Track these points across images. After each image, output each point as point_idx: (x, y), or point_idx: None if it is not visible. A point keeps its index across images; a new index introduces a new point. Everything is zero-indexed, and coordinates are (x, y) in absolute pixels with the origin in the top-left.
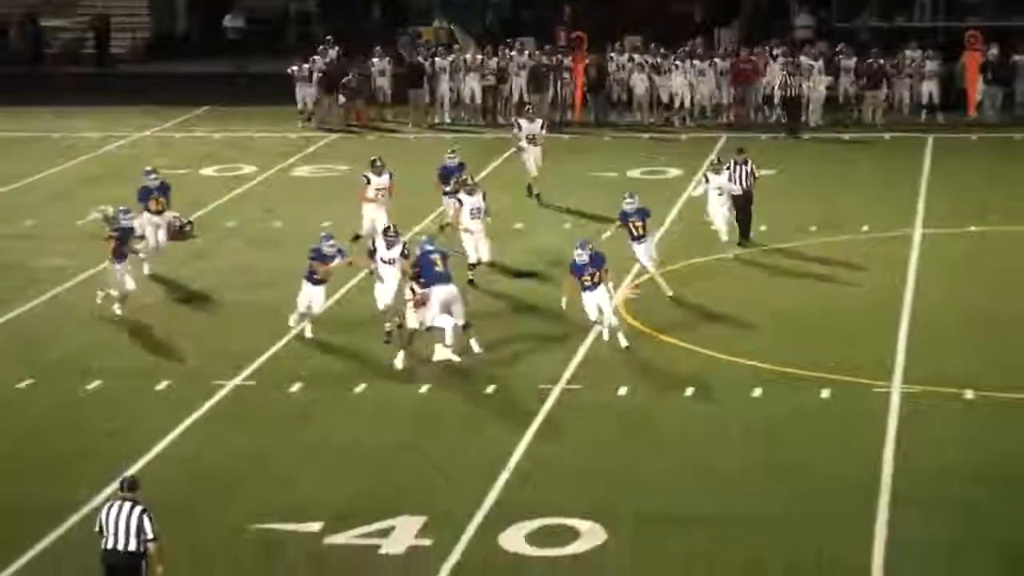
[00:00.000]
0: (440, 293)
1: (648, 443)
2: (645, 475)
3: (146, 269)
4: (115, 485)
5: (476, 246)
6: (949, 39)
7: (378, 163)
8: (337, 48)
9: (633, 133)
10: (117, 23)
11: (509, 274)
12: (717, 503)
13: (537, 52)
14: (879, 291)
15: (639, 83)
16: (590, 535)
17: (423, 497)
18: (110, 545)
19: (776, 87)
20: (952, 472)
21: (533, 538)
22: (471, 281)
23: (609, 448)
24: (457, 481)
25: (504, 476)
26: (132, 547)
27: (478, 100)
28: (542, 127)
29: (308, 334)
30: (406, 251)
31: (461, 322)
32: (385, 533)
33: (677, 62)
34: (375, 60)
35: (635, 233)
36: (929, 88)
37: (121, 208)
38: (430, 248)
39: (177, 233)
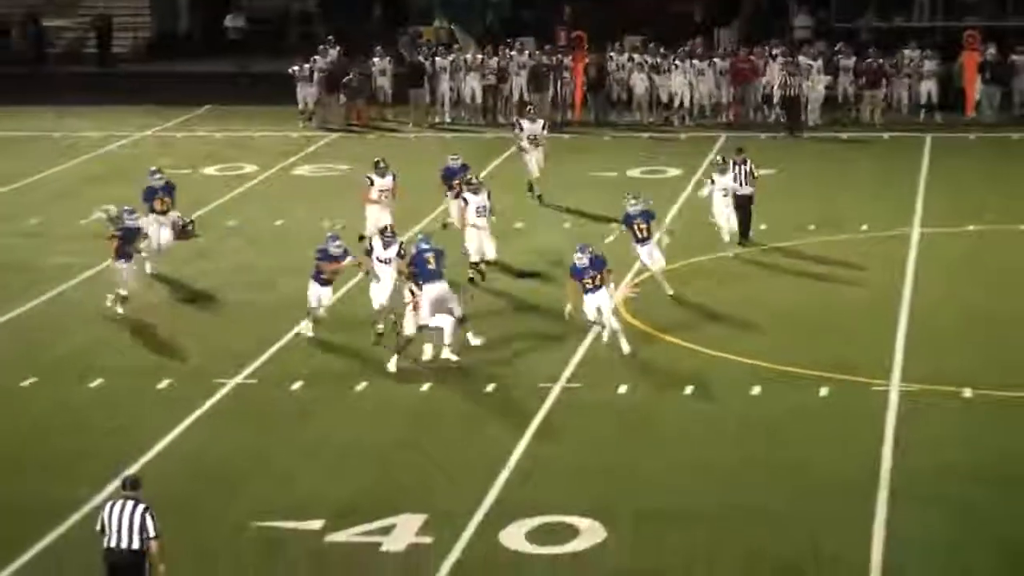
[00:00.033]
0: (431, 291)
1: (648, 441)
2: (644, 473)
3: (148, 268)
4: (117, 483)
5: (481, 245)
6: (947, 39)
7: (381, 164)
8: (338, 48)
9: (633, 133)
10: (119, 23)
11: (511, 273)
12: (716, 501)
13: (537, 52)
14: (878, 290)
15: (639, 83)
16: (590, 533)
17: (424, 495)
18: (113, 544)
19: (775, 87)
20: (950, 470)
21: (533, 536)
22: (472, 279)
23: (609, 446)
24: (457, 479)
25: (504, 474)
26: (135, 545)
27: (478, 100)
28: (544, 128)
29: (309, 333)
30: (402, 251)
31: (459, 313)
32: (386, 531)
33: (677, 62)
34: (376, 60)
35: (639, 235)
36: (928, 88)
37: (126, 208)
38: (425, 247)
39: (180, 232)
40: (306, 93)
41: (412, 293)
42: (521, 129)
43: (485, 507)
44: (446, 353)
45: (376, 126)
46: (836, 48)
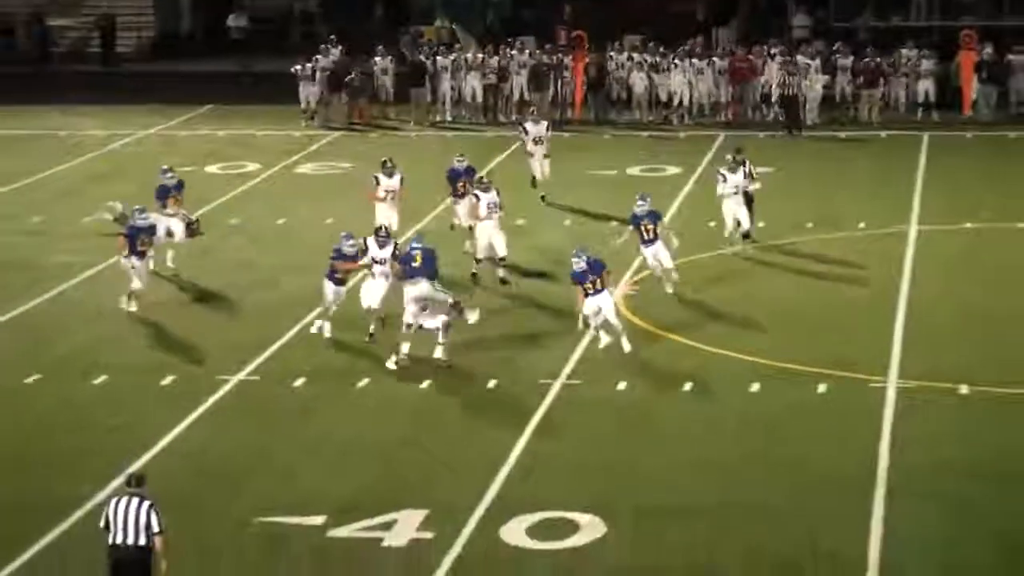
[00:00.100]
0: (411, 291)
1: (647, 438)
2: (644, 469)
3: (169, 261)
4: (120, 480)
5: (489, 242)
6: (944, 38)
7: (388, 164)
8: (340, 47)
9: (632, 131)
10: (122, 22)
11: (517, 272)
12: (715, 497)
13: (538, 51)
14: (876, 287)
15: (638, 82)
16: (590, 528)
17: (425, 491)
18: (118, 540)
19: (774, 86)
20: (947, 466)
21: (534, 531)
22: (474, 275)
23: (608, 443)
24: (458, 475)
25: (505, 470)
26: (141, 542)
27: (479, 98)
28: (547, 128)
29: (327, 333)
30: (397, 252)
31: (451, 300)
32: (387, 526)
33: (676, 61)
34: (377, 59)
35: (646, 236)
36: (925, 87)
37: (137, 207)
38: (415, 245)
39: (185, 230)
40: (308, 92)
41: None
42: (526, 132)
43: (486, 503)
44: (438, 353)
45: (378, 125)
46: (834, 47)
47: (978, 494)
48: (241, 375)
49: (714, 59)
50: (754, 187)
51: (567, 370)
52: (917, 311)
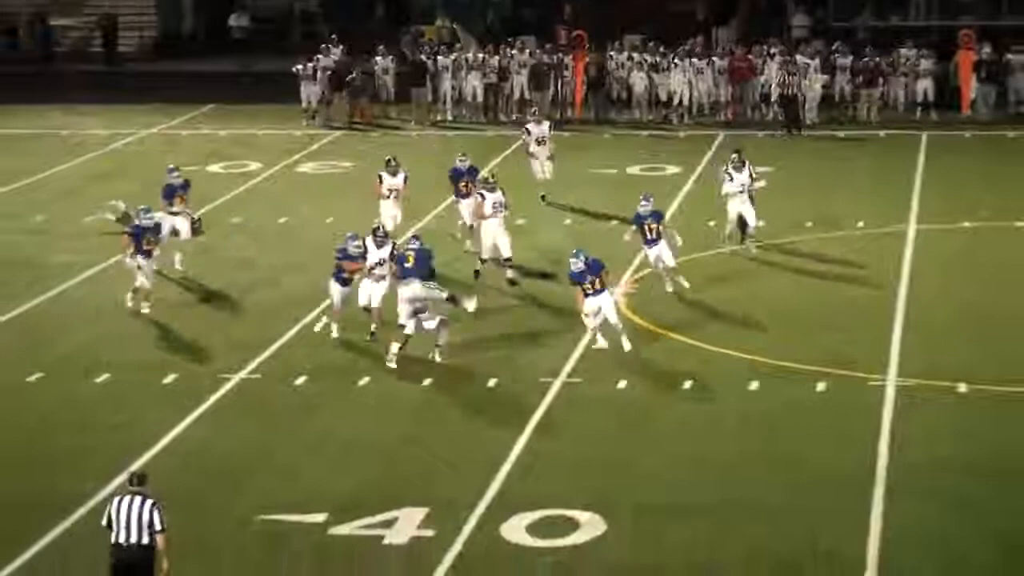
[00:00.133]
0: (404, 291)
1: (647, 436)
2: (644, 467)
3: (178, 263)
4: (122, 478)
5: (494, 242)
6: (943, 38)
7: (392, 163)
8: (342, 47)
9: (632, 131)
10: (124, 22)
11: (520, 272)
12: (715, 495)
13: (538, 51)
14: (874, 286)
15: (638, 81)
16: (590, 526)
17: (426, 488)
18: (121, 539)
19: (774, 85)
20: (946, 464)
21: (534, 529)
22: (477, 272)
23: (608, 441)
24: (459, 473)
25: (505, 468)
26: (144, 540)
27: (479, 98)
28: (550, 128)
29: (334, 334)
30: (395, 252)
31: (445, 295)
32: (388, 524)
33: (676, 60)
34: (378, 59)
35: (649, 235)
36: (924, 86)
37: (142, 207)
38: (410, 246)
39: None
40: (309, 92)
41: None
42: (528, 133)
43: (486, 500)
44: (436, 355)
45: (379, 124)
46: (833, 47)
47: (977, 492)
48: (242, 373)
49: (714, 59)
50: (758, 185)
51: (567, 369)
52: (916, 310)
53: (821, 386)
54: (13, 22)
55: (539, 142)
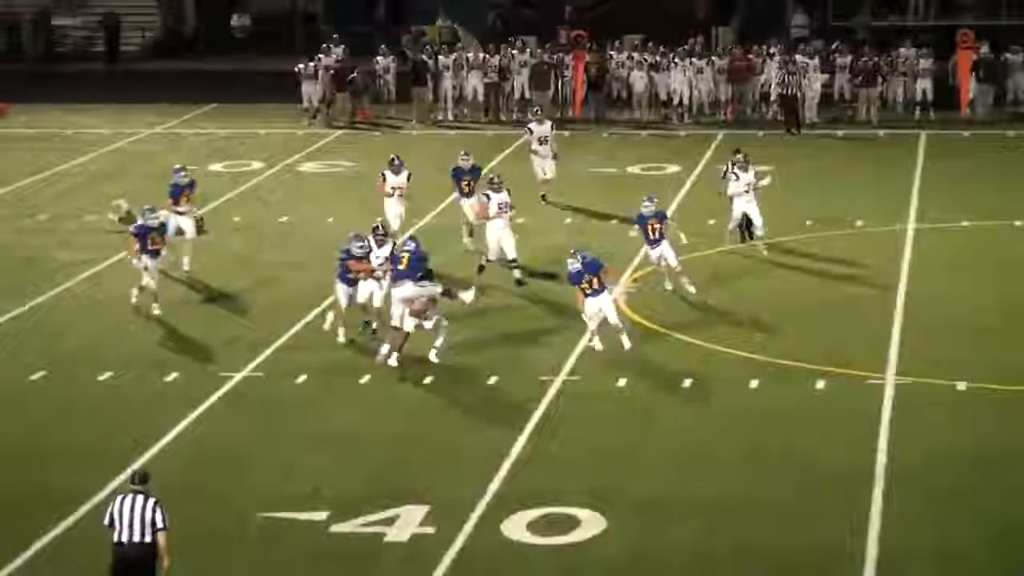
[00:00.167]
0: (398, 293)
1: (647, 433)
2: (644, 464)
3: (186, 264)
4: (125, 476)
5: (499, 243)
6: (942, 38)
7: (396, 162)
8: (343, 46)
9: (632, 130)
10: (127, 22)
11: (525, 273)
12: (715, 491)
13: (539, 50)
14: (873, 285)
15: (638, 81)
16: (590, 523)
17: (427, 486)
18: (124, 538)
19: (773, 85)
20: (944, 462)
21: (534, 526)
22: (481, 268)
23: (608, 438)
24: (460, 471)
25: (506, 466)
26: (147, 539)
27: (480, 97)
28: (552, 127)
29: (341, 338)
30: (393, 252)
31: (439, 289)
32: (390, 522)
33: (676, 60)
34: (380, 58)
35: (652, 236)
36: (923, 86)
37: (147, 207)
38: (405, 247)
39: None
40: (311, 91)
41: None
42: (531, 132)
43: (487, 498)
44: (432, 355)
45: (380, 123)
46: (833, 47)
47: (975, 490)
48: (245, 372)
49: (713, 58)
50: (764, 182)
51: (567, 367)
52: (915, 308)
53: (820, 384)
54: (16, 21)
55: (542, 141)
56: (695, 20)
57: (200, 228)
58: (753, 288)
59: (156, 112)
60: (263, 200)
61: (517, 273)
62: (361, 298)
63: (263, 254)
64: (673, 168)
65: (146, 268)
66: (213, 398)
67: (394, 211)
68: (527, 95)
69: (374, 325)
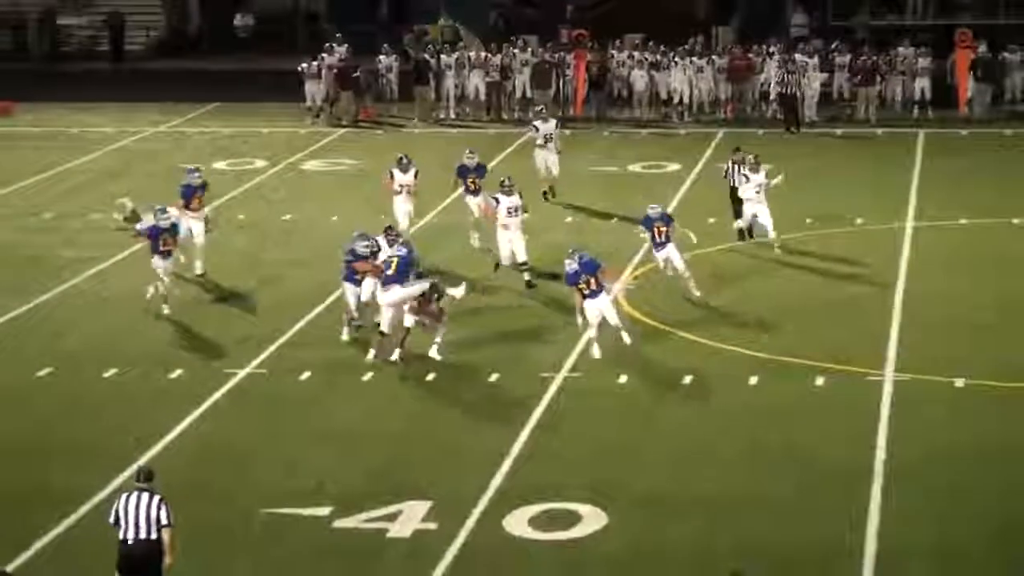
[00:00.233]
0: (384, 297)
1: (647, 430)
2: (645, 460)
3: (199, 268)
4: (129, 473)
5: (511, 247)
6: (940, 37)
7: (404, 160)
8: (346, 45)
9: (633, 128)
10: (132, 21)
11: (535, 273)
12: (715, 487)
13: (540, 49)
14: (872, 282)
15: (639, 80)
16: (591, 519)
17: (429, 482)
18: (130, 536)
19: (773, 84)
20: (943, 458)
21: (536, 522)
22: (498, 267)
23: (609, 434)
24: (462, 467)
25: (507, 462)
26: (153, 536)
27: (482, 96)
28: (557, 126)
29: (344, 337)
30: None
31: (427, 284)
32: (392, 517)
33: (676, 59)
34: (382, 57)
35: (658, 238)
36: (921, 85)
37: (159, 207)
38: (398, 252)
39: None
40: (314, 90)
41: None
42: (536, 130)
43: (489, 494)
44: (432, 352)
45: (382, 122)
46: (832, 46)
47: (974, 486)
48: (248, 369)
49: (713, 57)
50: (776, 181)
51: (568, 363)
52: (913, 305)
53: (820, 381)
54: (22, 20)
55: (546, 139)
56: (695, 20)
57: (207, 227)
58: (753, 285)
59: (160, 111)
60: (266, 198)
61: (527, 276)
62: (364, 296)
63: (267, 252)
64: (673, 166)
65: (161, 267)
66: (217, 395)
67: (402, 209)
68: (528, 94)
69: (377, 318)
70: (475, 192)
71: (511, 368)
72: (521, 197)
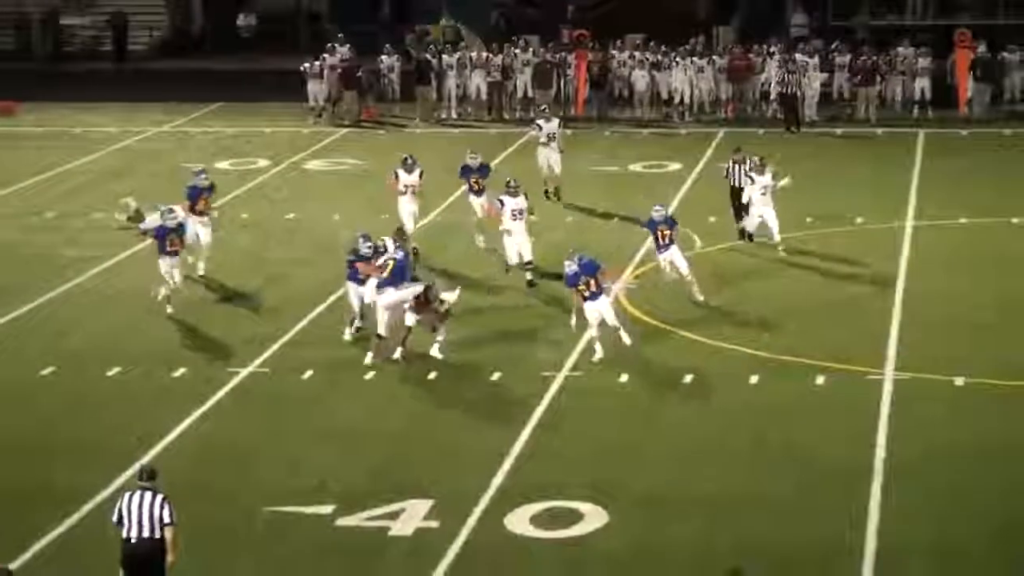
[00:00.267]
0: (382, 299)
1: (648, 428)
2: (646, 459)
3: (201, 269)
4: (132, 471)
5: (518, 249)
6: (939, 37)
7: (409, 161)
8: (348, 45)
9: (634, 128)
10: (135, 21)
11: (537, 274)
12: (715, 486)
13: (542, 49)
14: (873, 281)
15: (639, 80)
16: (593, 517)
17: (431, 481)
18: (133, 535)
19: (773, 84)
20: (943, 457)
21: (537, 520)
22: (509, 270)
23: (610, 433)
24: (463, 465)
25: (509, 460)
26: (157, 535)
27: (483, 96)
28: (560, 125)
29: (346, 336)
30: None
31: (420, 288)
32: (394, 516)
33: (677, 59)
34: (384, 57)
35: (662, 241)
36: (921, 85)
37: (166, 207)
38: (394, 256)
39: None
40: (316, 90)
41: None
42: (540, 128)
43: (491, 492)
44: (434, 351)
45: (384, 122)
46: (832, 46)
47: (974, 484)
48: (251, 368)
49: (714, 57)
50: (784, 183)
51: (570, 363)
52: (913, 304)
53: (820, 380)
54: (26, 21)
55: (549, 138)
56: (696, 20)
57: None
58: (753, 284)
59: (163, 111)
60: (269, 198)
61: (529, 275)
62: (368, 297)
63: (269, 251)
64: (674, 166)
65: (167, 271)
66: (220, 394)
67: (408, 209)
68: (530, 94)
69: (379, 329)
70: (479, 192)
71: (512, 367)
72: (527, 199)
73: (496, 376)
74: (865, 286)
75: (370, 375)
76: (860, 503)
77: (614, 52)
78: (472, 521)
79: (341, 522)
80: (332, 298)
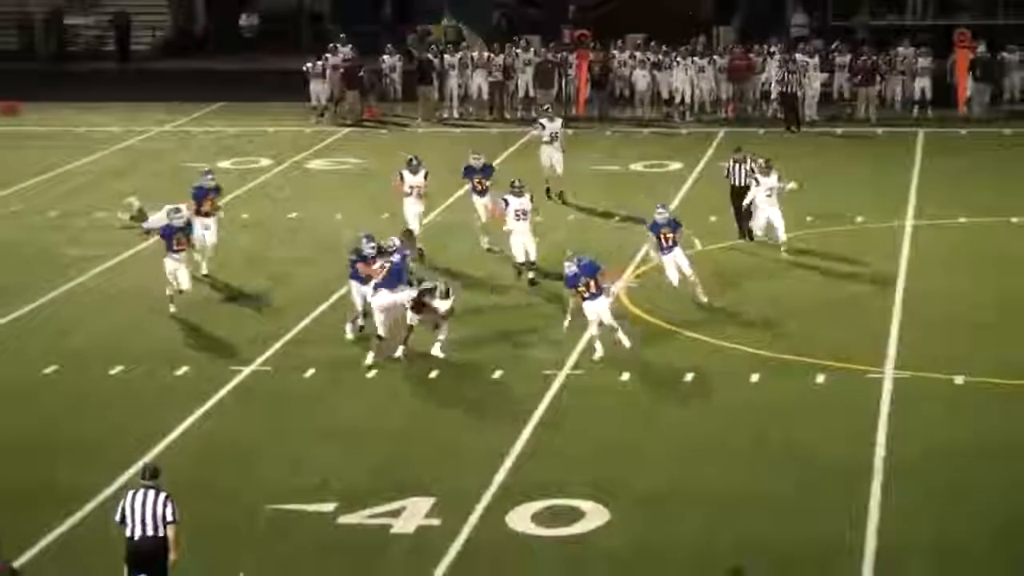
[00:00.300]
0: (377, 301)
1: (649, 427)
2: (646, 457)
3: (204, 269)
4: (135, 470)
5: (525, 248)
6: (939, 37)
7: (414, 162)
8: (350, 45)
9: (635, 128)
10: (138, 21)
11: (540, 273)
12: (716, 485)
13: (543, 49)
14: (873, 280)
15: (640, 79)
16: (594, 515)
17: (432, 479)
18: (137, 534)
19: (773, 83)
20: (943, 456)
21: (539, 518)
22: (521, 274)
23: (611, 432)
24: (465, 463)
25: (510, 459)
26: (160, 533)
27: (485, 96)
28: (563, 125)
29: (349, 335)
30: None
31: (415, 293)
32: (396, 513)
33: (678, 59)
34: (386, 57)
35: (665, 244)
36: (921, 85)
37: (173, 207)
38: (391, 259)
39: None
40: (319, 90)
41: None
42: (543, 128)
43: (492, 490)
44: (435, 350)
45: (386, 121)
46: (832, 46)
47: (973, 483)
48: (253, 366)
49: (715, 57)
50: (791, 186)
51: (571, 361)
52: (913, 303)
53: (820, 379)
54: (29, 20)
55: (552, 137)
56: (697, 20)
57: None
58: (753, 283)
59: (166, 110)
60: (271, 197)
61: (531, 274)
62: (369, 297)
63: (272, 250)
64: (675, 165)
65: (172, 270)
66: (222, 392)
67: (413, 210)
68: (531, 94)
69: (379, 331)
70: (482, 192)
71: (514, 366)
72: (532, 200)
73: (497, 375)
74: (865, 285)
75: (372, 374)
76: (860, 502)
77: (615, 52)
78: (474, 519)
79: (343, 520)
80: (334, 297)
